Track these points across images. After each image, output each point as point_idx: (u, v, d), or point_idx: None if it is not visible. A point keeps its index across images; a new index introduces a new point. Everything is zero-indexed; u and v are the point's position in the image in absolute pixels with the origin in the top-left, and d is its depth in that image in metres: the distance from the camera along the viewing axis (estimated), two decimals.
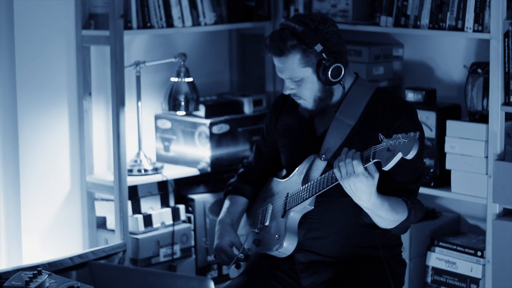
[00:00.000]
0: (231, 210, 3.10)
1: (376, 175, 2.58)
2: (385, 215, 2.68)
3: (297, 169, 2.93)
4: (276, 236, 2.88)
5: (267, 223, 2.95)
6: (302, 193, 2.83)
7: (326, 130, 2.91)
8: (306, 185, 2.82)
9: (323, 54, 2.82)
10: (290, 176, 2.95)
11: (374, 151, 2.55)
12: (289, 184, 2.94)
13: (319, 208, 2.85)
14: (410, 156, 2.47)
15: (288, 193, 2.91)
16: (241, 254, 3.00)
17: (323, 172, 2.84)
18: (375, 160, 2.54)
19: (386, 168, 2.52)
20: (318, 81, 2.85)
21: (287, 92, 2.89)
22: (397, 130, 2.79)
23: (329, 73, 2.82)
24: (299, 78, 2.84)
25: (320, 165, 2.88)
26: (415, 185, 2.84)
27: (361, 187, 2.58)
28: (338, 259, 2.89)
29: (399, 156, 2.48)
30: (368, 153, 2.57)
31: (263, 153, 3.16)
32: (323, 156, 2.87)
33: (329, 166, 2.84)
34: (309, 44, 2.81)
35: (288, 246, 2.86)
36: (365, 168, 2.57)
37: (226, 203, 3.14)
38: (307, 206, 2.84)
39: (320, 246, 2.89)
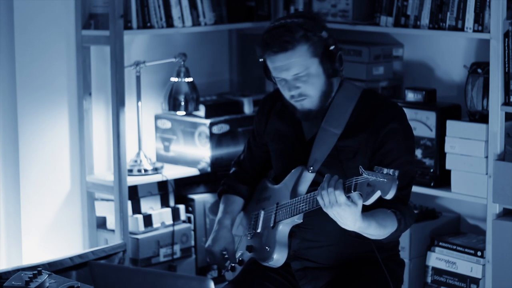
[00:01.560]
0: (229, 210, 3.08)
1: (360, 202, 2.54)
2: (373, 232, 2.67)
3: (286, 178, 2.90)
4: (267, 248, 2.87)
5: (259, 230, 2.94)
6: (291, 208, 2.81)
7: (314, 136, 2.87)
8: (295, 199, 2.80)
9: (329, 40, 2.79)
10: (280, 184, 2.93)
11: (355, 182, 2.52)
12: (279, 192, 2.92)
13: (311, 218, 2.83)
14: (389, 196, 2.44)
15: (277, 203, 2.90)
16: (232, 264, 3.00)
17: (311, 184, 2.83)
18: (356, 192, 2.52)
19: (367, 203, 2.50)
20: (323, 74, 2.80)
21: (292, 92, 2.81)
22: (387, 135, 2.77)
23: (337, 58, 2.79)
24: (305, 72, 2.77)
25: (308, 177, 2.85)
26: (404, 191, 2.79)
27: (344, 215, 2.56)
28: (334, 265, 2.89)
29: (378, 193, 2.46)
30: (349, 184, 2.54)
31: (255, 154, 3.13)
32: (311, 168, 2.84)
33: (317, 177, 2.82)
34: (316, 32, 2.77)
35: (278, 258, 2.85)
36: (348, 197, 2.54)
37: (223, 203, 3.12)
38: (295, 220, 2.83)
39: (315, 255, 2.87)
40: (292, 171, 2.88)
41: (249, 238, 2.97)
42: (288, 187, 2.87)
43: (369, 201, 2.49)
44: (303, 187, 2.84)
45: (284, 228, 2.85)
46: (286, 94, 2.84)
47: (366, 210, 2.62)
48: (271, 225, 2.87)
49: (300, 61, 2.77)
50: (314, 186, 2.77)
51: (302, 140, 2.92)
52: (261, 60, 2.87)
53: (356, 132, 2.81)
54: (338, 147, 2.82)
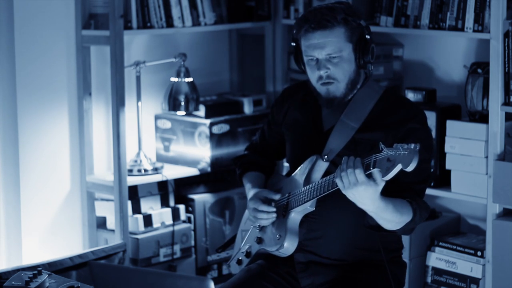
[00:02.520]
0: (256, 183, 3.05)
1: (382, 182, 2.56)
2: (389, 217, 2.68)
3: (299, 168, 2.92)
4: (277, 236, 2.88)
5: None
6: (303, 195, 2.82)
7: (332, 127, 2.90)
8: (308, 186, 2.82)
9: (366, 30, 2.84)
10: (293, 174, 2.95)
11: (374, 159, 2.54)
12: (291, 182, 2.94)
13: (320, 208, 2.85)
14: (410, 168, 2.46)
15: (290, 192, 2.91)
16: (242, 252, 3.01)
17: (325, 173, 2.84)
18: (375, 169, 2.53)
19: (386, 178, 2.51)
20: (354, 62, 2.84)
21: (321, 72, 2.83)
22: (407, 132, 2.79)
23: (370, 50, 2.83)
24: (338, 54, 2.81)
25: (322, 165, 2.86)
26: (421, 185, 2.82)
27: (365, 195, 2.57)
28: (337, 261, 2.88)
29: (399, 167, 2.47)
30: (368, 161, 2.56)
31: (268, 143, 3.16)
32: (325, 157, 2.86)
33: (331, 167, 2.84)
34: (355, 18, 2.83)
35: (288, 246, 2.86)
36: (368, 175, 2.55)
37: (247, 181, 3.09)
38: (308, 207, 2.83)
39: (320, 246, 2.88)
40: (306, 160, 2.90)
41: (258, 230, 2.97)
42: (301, 176, 2.89)
43: (389, 176, 2.50)
44: (317, 175, 2.86)
45: (296, 216, 2.86)
46: (315, 74, 2.86)
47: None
48: (283, 213, 2.88)
49: (335, 42, 2.81)
50: (328, 175, 2.78)
51: (319, 130, 2.93)
52: (293, 44, 2.91)
53: (376, 127, 2.84)
54: (356, 139, 2.84)
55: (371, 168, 2.54)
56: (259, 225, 2.97)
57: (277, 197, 2.92)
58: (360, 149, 2.81)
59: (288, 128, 3.04)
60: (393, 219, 2.69)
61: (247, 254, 3.01)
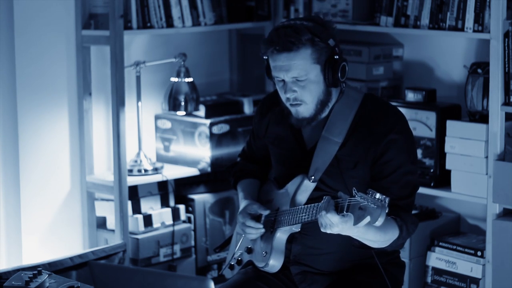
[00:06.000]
0: (248, 193, 3.02)
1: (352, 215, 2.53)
2: (373, 238, 2.66)
3: (289, 184, 2.88)
4: (263, 253, 2.86)
5: None
6: (289, 217, 2.80)
7: (315, 145, 2.84)
8: (294, 209, 2.78)
9: (336, 49, 2.76)
10: (283, 189, 2.91)
11: (348, 203, 2.50)
12: (280, 197, 2.91)
13: (313, 225, 2.77)
14: (378, 223, 2.42)
15: (278, 208, 2.88)
16: (234, 257, 3.00)
17: (312, 193, 2.81)
18: (348, 213, 2.51)
19: (357, 226, 2.48)
20: (323, 82, 2.77)
21: (288, 95, 2.77)
22: (386, 145, 2.74)
23: (339, 69, 2.74)
24: (305, 77, 2.74)
25: (309, 186, 2.82)
26: (406, 200, 2.77)
27: (342, 230, 2.55)
28: (334, 271, 2.88)
29: (367, 219, 2.44)
30: (342, 204, 2.52)
31: (256, 153, 3.12)
32: (312, 177, 2.81)
33: (320, 184, 2.81)
34: (323, 39, 2.73)
35: (274, 264, 2.85)
36: (343, 215, 2.52)
37: (240, 190, 3.06)
38: (293, 228, 2.82)
39: (316, 261, 2.86)
40: (294, 178, 2.86)
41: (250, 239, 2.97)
42: (289, 194, 2.86)
43: (359, 225, 2.47)
44: (303, 196, 2.83)
45: (281, 236, 2.85)
46: (283, 96, 2.81)
47: None
48: (270, 229, 2.87)
49: (301, 64, 2.73)
50: (315, 195, 2.77)
51: (303, 148, 2.89)
52: (265, 57, 2.84)
53: (357, 143, 2.79)
54: (338, 156, 2.79)
55: (345, 212, 2.51)
56: None
57: (266, 213, 2.89)
58: (343, 166, 2.78)
59: (271, 142, 2.99)
60: (377, 239, 2.67)
61: (238, 261, 3.00)
